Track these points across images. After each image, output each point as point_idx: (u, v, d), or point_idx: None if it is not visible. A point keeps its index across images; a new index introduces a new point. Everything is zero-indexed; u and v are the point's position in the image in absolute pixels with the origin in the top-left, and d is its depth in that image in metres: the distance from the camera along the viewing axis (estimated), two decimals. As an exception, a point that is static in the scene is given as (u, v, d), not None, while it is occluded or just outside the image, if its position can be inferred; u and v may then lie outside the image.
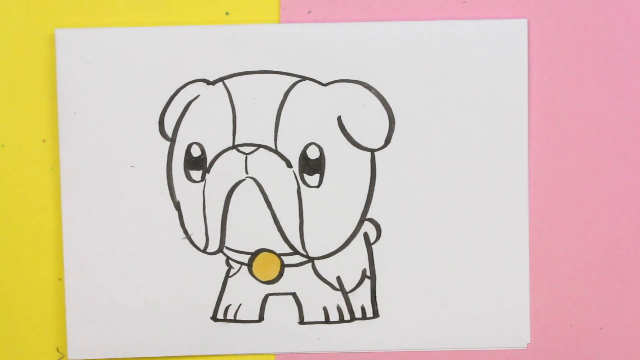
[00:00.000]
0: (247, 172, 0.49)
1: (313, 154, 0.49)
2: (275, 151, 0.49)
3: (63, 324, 0.50)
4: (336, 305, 0.50)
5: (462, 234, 0.50)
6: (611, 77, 0.49)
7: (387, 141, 0.49)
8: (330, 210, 0.49)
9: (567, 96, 0.50)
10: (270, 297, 0.50)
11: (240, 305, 0.50)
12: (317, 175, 0.49)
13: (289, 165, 0.49)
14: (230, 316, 0.50)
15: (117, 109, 0.49)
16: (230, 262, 0.50)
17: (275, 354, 0.50)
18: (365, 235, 0.50)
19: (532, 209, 0.50)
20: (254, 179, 0.49)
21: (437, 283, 0.50)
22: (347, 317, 0.50)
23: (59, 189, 0.50)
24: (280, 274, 0.50)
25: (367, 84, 0.49)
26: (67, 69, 0.49)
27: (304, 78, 0.49)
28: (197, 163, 0.49)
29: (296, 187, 0.49)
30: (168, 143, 0.50)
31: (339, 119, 0.49)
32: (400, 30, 0.49)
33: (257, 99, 0.49)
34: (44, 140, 0.50)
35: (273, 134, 0.49)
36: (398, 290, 0.50)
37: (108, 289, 0.50)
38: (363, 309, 0.50)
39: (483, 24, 0.49)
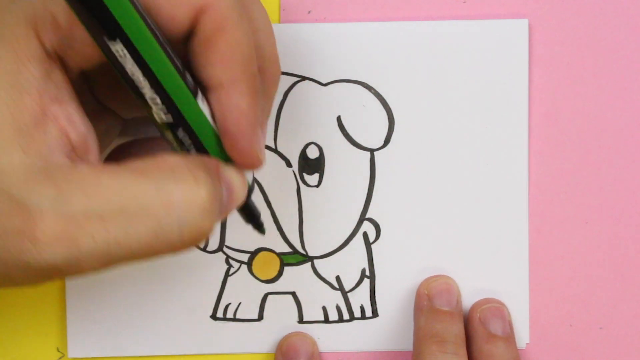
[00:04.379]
0: (247, 172, 0.49)
1: (313, 153, 0.49)
2: (275, 150, 0.49)
3: (63, 322, 0.50)
4: (335, 304, 0.50)
5: (461, 233, 0.50)
6: (611, 77, 0.49)
7: (387, 141, 0.49)
8: (330, 210, 0.49)
9: (567, 96, 0.49)
10: (269, 296, 0.50)
11: (240, 304, 0.50)
12: (316, 175, 0.49)
13: (289, 164, 0.49)
14: (229, 315, 0.50)
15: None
16: (230, 260, 0.50)
17: (275, 353, 0.50)
18: (365, 234, 0.50)
19: (532, 209, 0.50)
20: (254, 178, 0.49)
21: (437, 283, 0.50)
22: (346, 316, 0.50)
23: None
24: (280, 273, 0.50)
25: (367, 84, 0.49)
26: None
27: (303, 78, 0.49)
28: (197, 162, 0.49)
29: (296, 186, 0.49)
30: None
31: (339, 118, 0.49)
32: (400, 30, 0.49)
33: (257, 99, 0.49)
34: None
35: (273, 133, 0.49)
36: (397, 290, 0.50)
37: (108, 287, 0.50)
38: (362, 309, 0.50)
39: (483, 24, 0.49)
